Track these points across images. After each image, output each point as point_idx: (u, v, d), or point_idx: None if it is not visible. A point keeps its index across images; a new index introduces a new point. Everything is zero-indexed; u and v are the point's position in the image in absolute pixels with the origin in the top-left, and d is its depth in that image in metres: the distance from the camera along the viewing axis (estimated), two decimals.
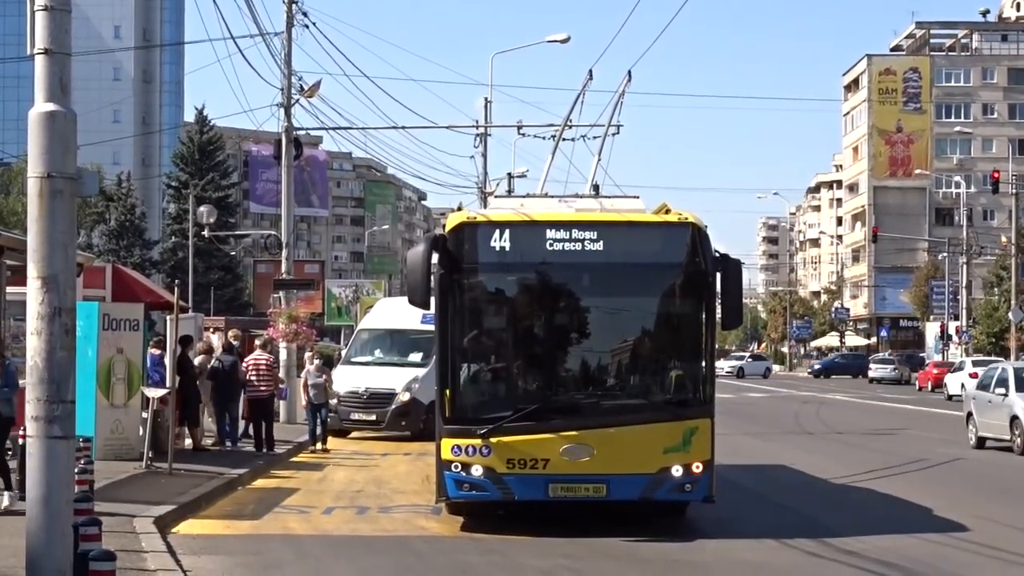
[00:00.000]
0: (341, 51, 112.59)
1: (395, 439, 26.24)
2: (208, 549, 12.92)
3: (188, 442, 21.11)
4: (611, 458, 13.55)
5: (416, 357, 27.38)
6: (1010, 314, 65.30)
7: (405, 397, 26.45)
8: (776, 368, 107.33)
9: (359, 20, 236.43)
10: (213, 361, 22.43)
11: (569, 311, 14.45)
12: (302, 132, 34.07)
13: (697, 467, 13.72)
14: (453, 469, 13.67)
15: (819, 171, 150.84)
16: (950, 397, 51.66)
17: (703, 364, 14.06)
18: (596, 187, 18.88)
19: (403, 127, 39.79)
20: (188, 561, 11.99)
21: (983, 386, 27.23)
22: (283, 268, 32.28)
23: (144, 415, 18.76)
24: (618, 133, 24.06)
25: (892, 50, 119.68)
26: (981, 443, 26.66)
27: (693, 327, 14.08)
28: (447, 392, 13.78)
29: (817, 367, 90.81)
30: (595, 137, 30.12)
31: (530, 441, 13.57)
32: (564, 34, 44.71)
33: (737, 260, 14.20)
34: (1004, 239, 76.66)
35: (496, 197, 25.13)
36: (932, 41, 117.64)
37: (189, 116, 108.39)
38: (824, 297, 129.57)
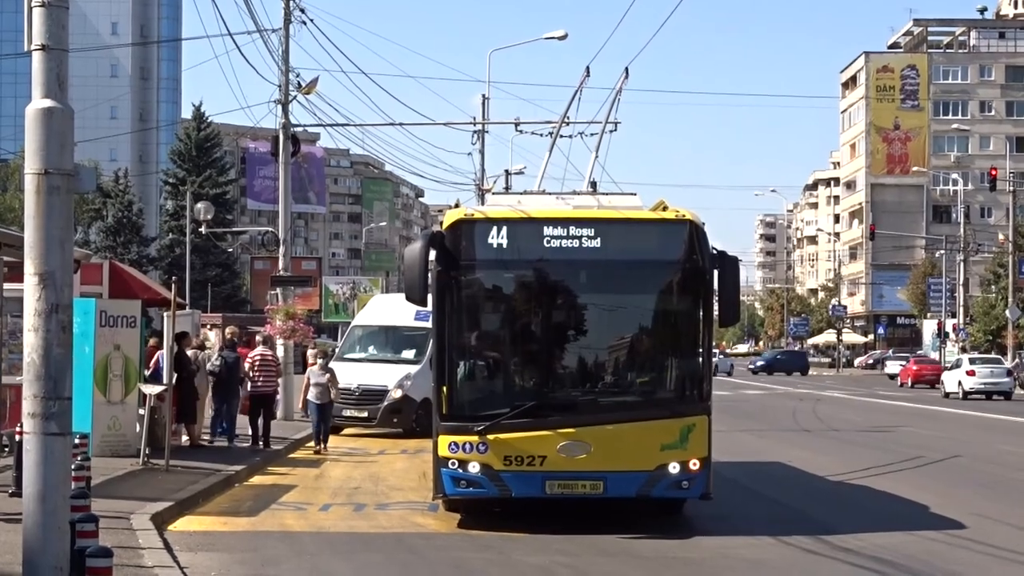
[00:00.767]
0: (339, 48, 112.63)
1: (392, 436, 26.21)
2: (205, 546, 12.92)
3: (185, 438, 21.12)
4: (608, 455, 13.55)
5: (409, 354, 27.36)
6: (1007, 311, 65.43)
7: (397, 394, 26.40)
8: None
9: (357, 17, 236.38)
10: (215, 358, 22.44)
11: (566, 308, 14.44)
12: (300, 129, 34.02)
13: (694, 464, 13.72)
14: (450, 466, 13.67)
15: (817, 168, 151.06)
16: (947, 395, 51.73)
17: (700, 361, 14.02)
18: (594, 184, 18.88)
19: (401, 124, 39.83)
20: (185, 558, 11.98)
21: None
22: (280, 265, 32.26)
23: (141, 411, 18.76)
24: (615, 130, 24.08)
25: (890, 47, 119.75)
26: None
27: (690, 324, 14.04)
28: (444, 389, 13.77)
29: (760, 363, 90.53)
30: (593, 134, 30.21)
31: (527, 438, 13.57)
32: (562, 31, 44.71)
33: (734, 257, 14.21)
34: (1001, 236, 76.72)
35: (493, 194, 25.11)
36: (930, 38, 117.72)
37: (186, 113, 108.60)
38: (821, 294, 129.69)
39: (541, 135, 40.93)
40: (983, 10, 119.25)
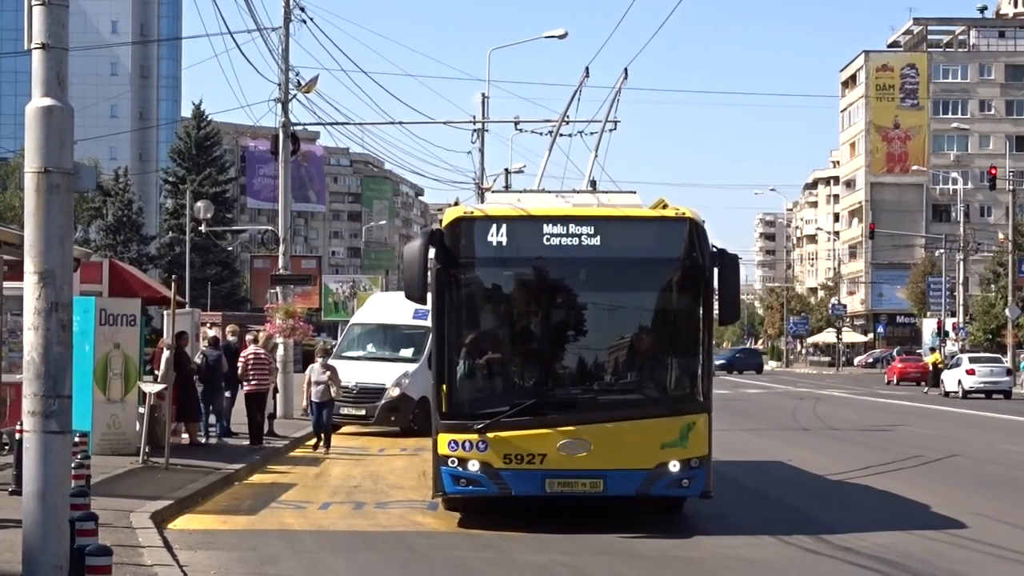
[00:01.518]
0: (339, 46, 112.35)
1: (391, 434, 26.20)
2: (205, 544, 12.91)
3: (185, 437, 21.12)
4: (608, 453, 13.53)
5: (407, 352, 27.33)
6: (1007, 310, 65.40)
7: (395, 392, 26.36)
8: (773, 364, 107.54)
9: (357, 15, 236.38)
10: (197, 356, 22.48)
11: (566, 306, 14.40)
12: (299, 127, 34.01)
13: (695, 462, 13.70)
14: (450, 464, 13.65)
15: (816, 167, 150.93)
16: (947, 394, 51.72)
17: (700, 359, 13.99)
18: (593, 183, 18.88)
19: (400, 123, 39.82)
20: (184, 556, 11.98)
21: None
22: (280, 263, 32.25)
23: (141, 410, 18.76)
24: (615, 129, 24.02)
25: (890, 46, 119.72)
26: None
27: (690, 322, 14.01)
28: (443, 387, 13.74)
29: (719, 362, 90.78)
30: (592, 133, 30.18)
31: (527, 436, 13.55)
32: (561, 30, 44.67)
33: (734, 255, 14.18)
34: (1001, 235, 76.72)
35: (493, 192, 25.11)
36: (930, 37, 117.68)
37: (186, 111, 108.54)
38: (821, 293, 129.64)
39: (541, 134, 40.90)
40: (983, 9, 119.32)
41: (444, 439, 13.68)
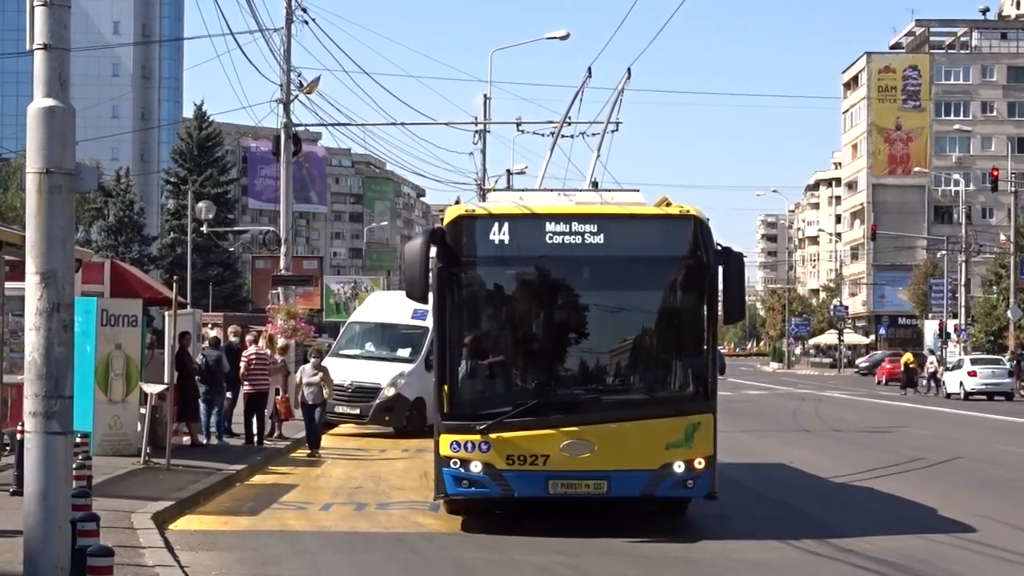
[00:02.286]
0: (340, 47, 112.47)
1: (393, 436, 26.14)
2: (206, 545, 12.89)
3: (186, 438, 21.09)
4: (612, 454, 13.44)
5: (405, 352, 27.23)
6: (1009, 312, 65.34)
7: (390, 392, 26.26)
8: (774, 365, 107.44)
9: (359, 16, 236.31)
10: (198, 356, 22.45)
11: (569, 305, 14.31)
12: (301, 128, 34.04)
13: (699, 463, 13.60)
14: (452, 465, 13.56)
15: (818, 169, 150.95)
16: (948, 395, 51.69)
17: (705, 358, 13.87)
18: (595, 184, 18.86)
19: (402, 123, 39.90)
20: (186, 557, 11.96)
21: None
22: (282, 264, 32.27)
23: (142, 411, 18.74)
24: (617, 130, 24.02)
25: (892, 48, 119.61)
26: None
27: (695, 321, 13.92)
28: (445, 387, 13.64)
29: None
30: (594, 134, 30.19)
31: (530, 437, 13.46)
32: (563, 31, 44.73)
33: (739, 253, 14.02)
34: (1003, 237, 76.65)
35: (495, 191, 25.06)
36: (932, 39, 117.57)
37: (188, 112, 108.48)
38: (823, 295, 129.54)
39: (543, 135, 40.98)
40: (985, 11, 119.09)
41: (446, 440, 13.59)
